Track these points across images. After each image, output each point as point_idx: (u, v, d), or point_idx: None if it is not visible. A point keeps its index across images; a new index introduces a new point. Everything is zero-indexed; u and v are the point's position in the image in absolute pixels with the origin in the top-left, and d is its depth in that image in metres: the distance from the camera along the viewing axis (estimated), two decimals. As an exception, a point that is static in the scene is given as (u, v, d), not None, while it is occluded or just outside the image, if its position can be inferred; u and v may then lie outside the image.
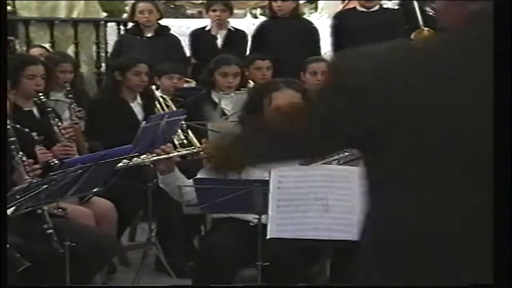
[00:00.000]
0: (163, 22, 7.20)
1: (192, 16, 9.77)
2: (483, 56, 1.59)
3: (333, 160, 3.71)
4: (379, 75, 1.64)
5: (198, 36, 7.23)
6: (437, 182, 1.66)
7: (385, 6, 7.31)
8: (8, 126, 3.75)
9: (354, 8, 7.18)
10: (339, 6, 8.22)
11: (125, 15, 8.17)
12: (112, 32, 8.04)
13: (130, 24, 7.34)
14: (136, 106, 5.37)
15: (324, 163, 3.62)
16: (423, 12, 6.29)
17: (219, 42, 7.07)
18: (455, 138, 1.63)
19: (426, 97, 1.61)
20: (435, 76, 1.61)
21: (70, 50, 7.54)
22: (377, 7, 6.99)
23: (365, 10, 6.93)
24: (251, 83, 5.90)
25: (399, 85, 1.63)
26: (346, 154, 3.75)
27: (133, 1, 7.22)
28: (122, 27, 8.03)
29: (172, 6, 9.86)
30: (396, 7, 7.44)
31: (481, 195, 1.62)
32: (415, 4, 6.86)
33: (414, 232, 1.69)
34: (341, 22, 7.11)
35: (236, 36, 7.19)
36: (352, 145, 1.86)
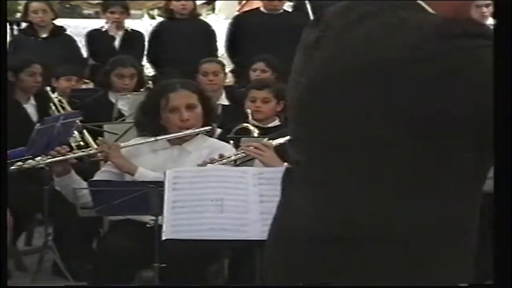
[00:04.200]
0: (59, 22, 7.10)
1: (88, 17, 9.64)
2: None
3: (230, 161, 3.76)
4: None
5: (94, 37, 7.17)
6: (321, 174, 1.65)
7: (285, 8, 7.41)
8: None
9: (257, 9, 7.25)
10: (236, 8, 8.28)
11: (18, 15, 7.99)
12: (5, 32, 7.85)
13: (24, 24, 7.20)
14: (30, 108, 5.28)
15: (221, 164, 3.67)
16: (315, 14, 6.41)
17: (117, 43, 7.04)
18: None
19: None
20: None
21: (-39, 51, 7.32)
22: (281, 10, 7.09)
23: (267, 12, 7.01)
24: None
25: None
26: (243, 155, 3.81)
27: (26, 1, 7.08)
28: (15, 27, 7.85)
29: (67, 6, 9.70)
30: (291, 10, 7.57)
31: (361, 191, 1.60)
32: (308, 5, 7.00)
33: (296, 227, 1.67)
34: (242, 23, 7.18)
35: (133, 37, 7.18)
36: None
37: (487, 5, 6.56)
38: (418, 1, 1.61)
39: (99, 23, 7.48)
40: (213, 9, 9.52)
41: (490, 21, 6.63)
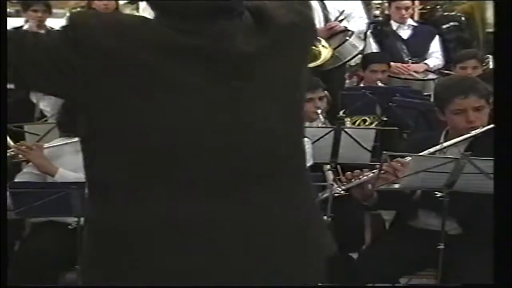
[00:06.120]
0: (-23, 20, 6.94)
1: (9, 15, 9.45)
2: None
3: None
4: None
5: (16, 36, 7.05)
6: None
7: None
8: None
9: None
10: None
11: None
12: None
13: None
14: None
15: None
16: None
17: (39, 42, 6.94)
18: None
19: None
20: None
21: None
22: None
23: None
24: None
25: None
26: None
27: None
28: None
29: (-14, 4, 9.50)
30: None
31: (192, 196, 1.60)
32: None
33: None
34: None
35: (55, 36, 7.08)
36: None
37: (406, 8, 6.70)
38: None
39: (19, 22, 7.34)
40: (137, 9, 9.42)
41: (410, 22, 6.80)
